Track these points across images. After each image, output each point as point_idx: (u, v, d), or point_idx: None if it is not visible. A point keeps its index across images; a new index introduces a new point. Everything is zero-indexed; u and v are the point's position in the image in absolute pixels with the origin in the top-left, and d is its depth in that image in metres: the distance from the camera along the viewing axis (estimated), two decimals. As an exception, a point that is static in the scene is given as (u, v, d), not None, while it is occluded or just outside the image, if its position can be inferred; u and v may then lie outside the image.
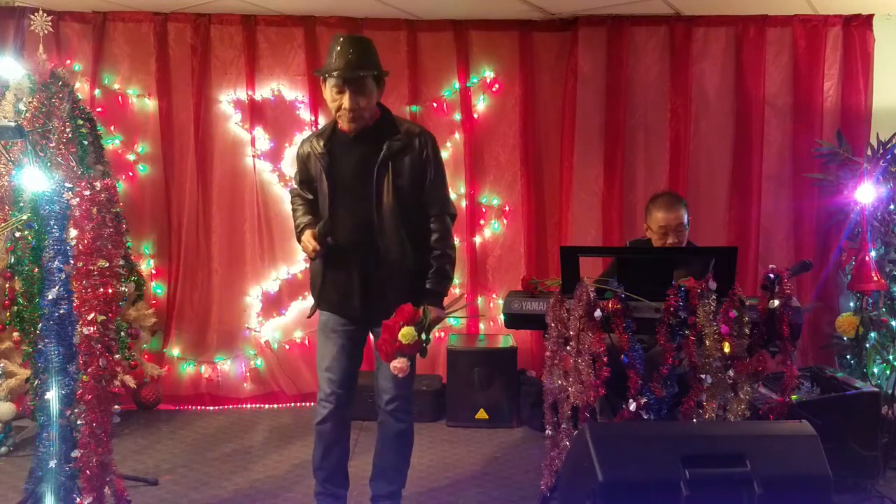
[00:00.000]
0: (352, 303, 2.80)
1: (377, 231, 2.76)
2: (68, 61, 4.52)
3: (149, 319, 4.44)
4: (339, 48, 2.68)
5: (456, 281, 4.76)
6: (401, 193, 2.75)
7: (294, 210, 2.99)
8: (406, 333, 2.50)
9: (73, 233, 2.69)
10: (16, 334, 3.88)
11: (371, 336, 2.93)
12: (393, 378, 2.80)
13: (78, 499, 2.65)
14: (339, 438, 2.95)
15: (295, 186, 3.01)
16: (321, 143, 2.81)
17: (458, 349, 4.44)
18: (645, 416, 2.64)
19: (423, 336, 2.55)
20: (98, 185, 2.67)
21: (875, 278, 3.95)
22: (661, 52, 4.63)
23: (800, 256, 4.40)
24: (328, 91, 2.74)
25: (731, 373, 2.63)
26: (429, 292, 2.76)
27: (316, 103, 4.69)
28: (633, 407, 2.63)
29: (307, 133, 4.59)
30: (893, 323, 4.16)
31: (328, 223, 2.75)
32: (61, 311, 2.71)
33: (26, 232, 3.72)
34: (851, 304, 4.36)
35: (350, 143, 2.78)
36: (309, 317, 2.99)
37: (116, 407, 2.75)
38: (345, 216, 2.77)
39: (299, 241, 2.88)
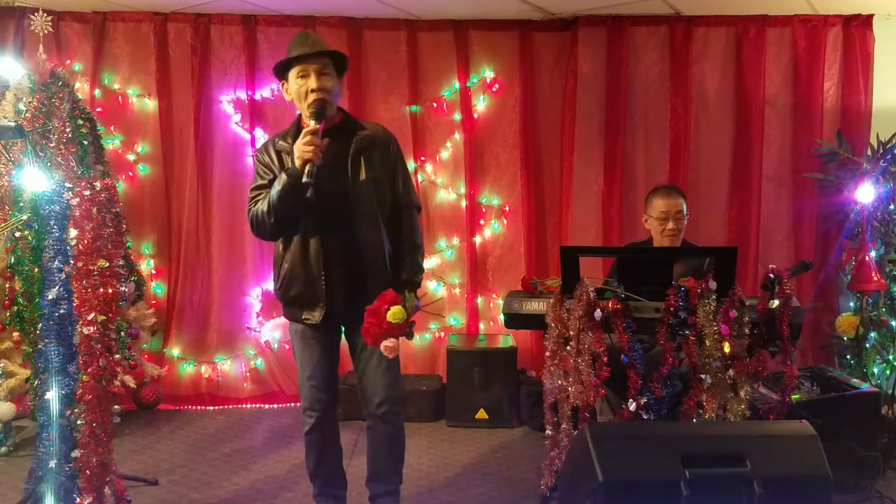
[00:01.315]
0: (332, 301, 2.74)
1: (357, 223, 2.74)
2: (68, 61, 4.53)
3: (149, 319, 4.44)
4: (295, 41, 2.75)
5: (456, 281, 4.79)
6: (376, 186, 2.77)
7: (256, 202, 2.77)
8: (395, 312, 2.48)
9: (73, 233, 2.68)
10: (16, 334, 3.88)
11: (344, 331, 2.90)
12: (381, 380, 2.79)
13: (78, 499, 2.65)
14: (331, 442, 2.93)
15: (254, 188, 2.82)
16: (289, 142, 2.75)
17: (458, 349, 4.44)
18: (645, 416, 2.64)
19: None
20: (98, 185, 2.66)
21: (875, 278, 3.96)
22: (661, 52, 4.63)
23: (800, 256, 4.40)
24: (292, 84, 2.73)
25: (731, 373, 2.63)
26: (405, 282, 2.76)
27: (316, 103, 4.68)
28: (633, 407, 2.63)
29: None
30: (893, 323, 4.16)
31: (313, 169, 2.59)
32: (61, 311, 2.71)
33: (26, 232, 3.71)
34: (851, 304, 4.36)
35: None
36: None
37: (116, 407, 2.74)
38: (323, 212, 2.71)
39: (274, 202, 2.65)
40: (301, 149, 2.59)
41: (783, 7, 4.46)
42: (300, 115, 2.83)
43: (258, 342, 4.75)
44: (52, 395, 2.69)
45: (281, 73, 2.78)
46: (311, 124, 2.62)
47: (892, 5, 4.38)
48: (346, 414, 4.08)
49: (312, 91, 2.67)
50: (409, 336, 2.57)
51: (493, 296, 4.81)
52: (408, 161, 4.13)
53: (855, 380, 3.54)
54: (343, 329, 2.91)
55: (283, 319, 4.68)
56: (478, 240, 4.82)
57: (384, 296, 2.53)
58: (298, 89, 2.70)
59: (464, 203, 4.75)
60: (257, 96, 4.69)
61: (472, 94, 4.73)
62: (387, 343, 2.51)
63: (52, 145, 3.84)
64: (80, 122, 4.05)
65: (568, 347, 2.78)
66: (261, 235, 2.83)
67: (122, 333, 4.12)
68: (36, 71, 4.03)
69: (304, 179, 2.57)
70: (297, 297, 2.78)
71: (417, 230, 2.90)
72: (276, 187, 2.66)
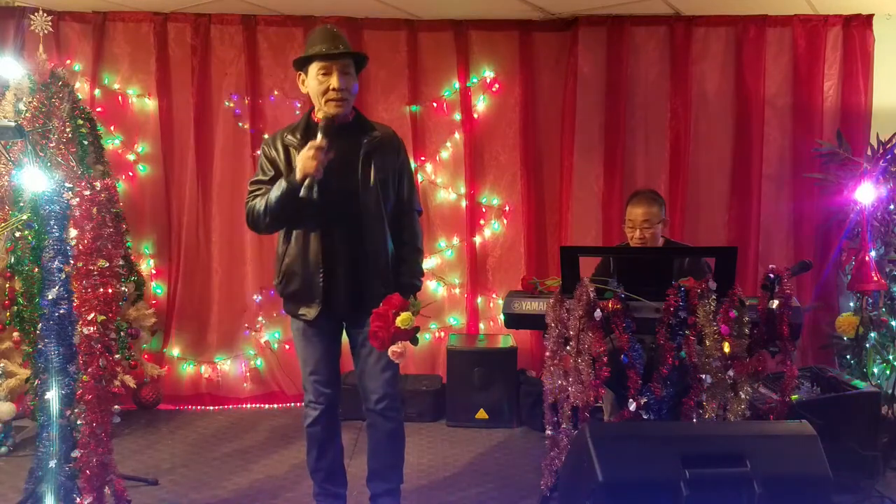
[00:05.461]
0: (332, 297, 2.74)
1: (363, 223, 2.73)
2: (68, 61, 4.52)
3: (149, 319, 4.44)
4: (318, 35, 2.73)
5: (455, 281, 4.79)
6: (383, 187, 2.77)
7: (255, 198, 2.73)
8: (405, 318, 2.47)
9: (73, 233, 2.68)
10: (16, 334, 3.88)
11: (345, 327, 2.89)
12: (380, 377, 2.80)
13: (78, 499, 2.65)
14: (333, 437, 2.94)
15: (255, 181, 2.79)
16: (297, 137, 2.74)
17: (458, 349, 4.44)
18: (645, 416, 2.64)
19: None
20: (98, 185, 2.67)
21: (875, 278, 3.95)
22: (661, 52, 4.63)
23: (800, 256, 4.40)
24: (312, 78, 2.71)
25: (731, 373, 2.63)
26: (407, 286, 2.77)
27: (316, 103, 4.68)
28: (633, 407, 2.63)
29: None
30: (893, 323, 4.16)
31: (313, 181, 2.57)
32: (61, 311, 2.71)
33: (26, 232, 3.72)
34: (851, 304, 4.37)
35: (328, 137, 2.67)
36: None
37: (116, 407, 2.75)
38: (328, 209, 2.70)
39: (272, 205, 2.63)
40: (304, 162, 2.57)
41: (783, 7, 4.46)
42: (311, 109, 2.82)
43: (258, 342, 4.75)
44: (52, 395, 2.69)
45: (300, 65, 2.77)
46: (319, 138, 2.60)
47: (892, 5, 4.38)
48: (346, 413, 4.06)
49: (335, 90, 2.66)
50: (415, 342, 2.55)
51: (493, 296, 4.82)
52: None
53: (855, 380, 3.54)
54: (344, 325, 2.91)
55: (283, 319, 4.74)
56: (478, 240, 4.82)
57: (391, 300, 2.52)
58: (318, 86, 2.69)
59: (464, 203, 4.75)
60: (257, 96, 4.69)
61: (472, 94, 4.73)
62: (395, 348, 2.51)
63: (52, 145, 3.84)
64: (80, 122, 4.05)
65: (568, 347, 2.78)
66: (254, 230, 2.83)
67: (122, 333, 4.12)
68: (36, 71, 4.04)
69: (302, 194, 2.56)
70: (296, 293, 2.79)
71: (419, 234, 2.93)
72: (276, 192, 2.65)
